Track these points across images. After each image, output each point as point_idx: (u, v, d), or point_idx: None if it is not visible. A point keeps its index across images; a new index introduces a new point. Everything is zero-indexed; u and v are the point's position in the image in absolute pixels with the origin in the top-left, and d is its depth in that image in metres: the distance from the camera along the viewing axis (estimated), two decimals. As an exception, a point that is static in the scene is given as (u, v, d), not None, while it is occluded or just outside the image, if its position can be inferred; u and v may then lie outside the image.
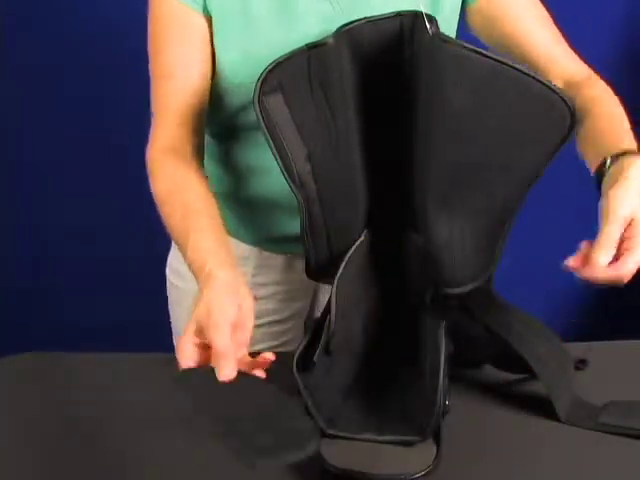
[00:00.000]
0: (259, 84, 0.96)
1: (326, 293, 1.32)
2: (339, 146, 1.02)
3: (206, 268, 0.94)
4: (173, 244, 1.31)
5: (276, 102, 0.97)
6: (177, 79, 1.11)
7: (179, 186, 1.06)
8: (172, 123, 1.11)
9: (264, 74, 0.96)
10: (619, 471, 0.93)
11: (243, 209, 1.26)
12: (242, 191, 1.24)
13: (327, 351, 1.00)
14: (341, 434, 0.94)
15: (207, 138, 1.20)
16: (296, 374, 0.95)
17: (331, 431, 0.94)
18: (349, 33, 1.02)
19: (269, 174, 1.17)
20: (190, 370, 0.90)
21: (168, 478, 0.95)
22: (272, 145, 0.97)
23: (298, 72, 0.99)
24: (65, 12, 1.89)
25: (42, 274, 2.15)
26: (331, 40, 1.00)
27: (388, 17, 1.04)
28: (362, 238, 1.08)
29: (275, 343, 1.33)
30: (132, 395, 1.09)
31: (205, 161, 1.17)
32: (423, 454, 0.91)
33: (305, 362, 0.98)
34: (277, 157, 0.97)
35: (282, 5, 1.10)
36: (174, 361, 1.19)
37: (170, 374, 1.13)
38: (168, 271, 1.36)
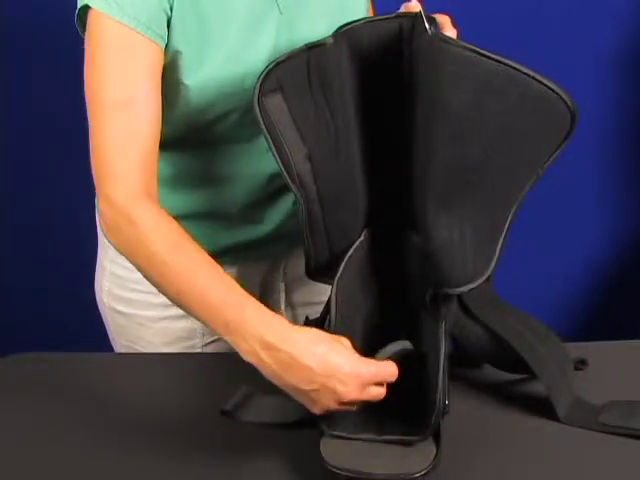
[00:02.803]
0: (258, 84, 0.96)
1: (276, 295, 1.32)
2: (339, 146, 1.02)
3: (280, 333, 0.90)
4: (103, 269, 1.27)
5: (275, 102, 0.97)
6: (140, 109, 1.00)
7: (183, 247, 0.97)
8: (138, 161, 1.00)
9: (263, 74, 0.96)
10: (619, 471, 0.93)
11: (191, 225, 1.16)
12: (191, 206, 1.19)
13: None
14: (341, 434, 0.94)
15: None
16: None
17: (331, 431, 0.94)
18: (348, 33, 1.02)
19: (232, 183, 1.16)
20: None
21: (168, 477, 0.95)
22: (271, 145, 0.97)
23: (297, 72, 0.99)
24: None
25: (42, 274, 2.15)
26: (330, 40, 1.01)
27: (387, 18, 1.04)
28: (362, 238, 1.08)
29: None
30: (132, 394, 1.09)
31: None
32: (423, 454, 0.91)
33: None
34: (276, 157, 0.97)
35: (240, 22, 1.06)
36: (175, 361, 1.20)
37: (169, 373, 1.13)
38: (106, 300, 1.28)
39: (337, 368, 0.89)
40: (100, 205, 1.01)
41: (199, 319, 0.97)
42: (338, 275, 1.03)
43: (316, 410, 0.92)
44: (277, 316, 0.93)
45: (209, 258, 0.97)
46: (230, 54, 1.06)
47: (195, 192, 1.17)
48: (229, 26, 1.05)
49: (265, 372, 0.91)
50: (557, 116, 0.96)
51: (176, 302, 0.98)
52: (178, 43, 1.03)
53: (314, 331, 0.92)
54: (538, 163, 0.98)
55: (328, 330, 0.99)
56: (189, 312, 0.97)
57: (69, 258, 2.08)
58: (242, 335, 0.91)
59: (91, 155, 1.01)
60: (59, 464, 0.97)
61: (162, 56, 1.03)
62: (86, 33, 1.03)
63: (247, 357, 0.91)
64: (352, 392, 0.89)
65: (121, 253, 1.01)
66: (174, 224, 0.99)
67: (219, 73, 1.06)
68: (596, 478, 0.93)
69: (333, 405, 0.90)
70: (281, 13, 1.09)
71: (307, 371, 0.89)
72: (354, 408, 0.92)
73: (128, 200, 0.98)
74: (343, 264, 1.04)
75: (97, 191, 1.01)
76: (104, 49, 1.00)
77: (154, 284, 0.99)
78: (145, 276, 0.99)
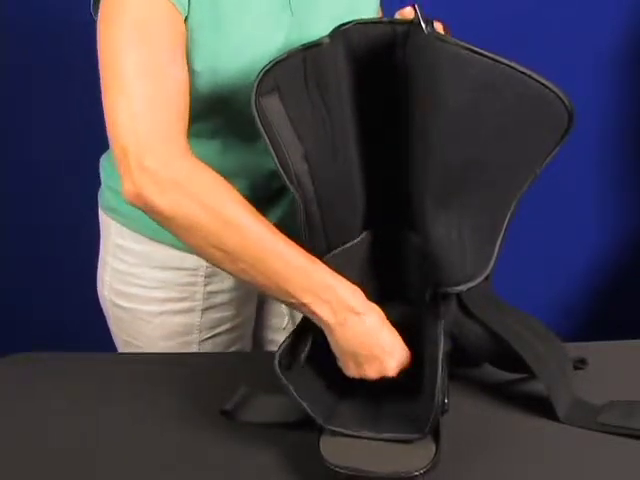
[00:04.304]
0: (256, 84, 0.96)
1: None
2: (336, 145, 1.02)
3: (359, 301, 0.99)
4: (105, 264, 1.28)
5: (273, 102, 0.97)
6: (168, 71, 1.00)
7: (250, 210, 0.98)
8: (177, 125, 1.00)
9: (261, 75, 0.96)
10: (619, 471, 0.93)
11: None
12: None
13: (320, 349, 1.00)
14: (340, 430, 0.94)
15: None
16: (278, 372, 0.95)
17: (328, 426, 0.94)
18: (344, 34, 1.03)
19: (232, 181, 1.16)
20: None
21: (168, 477, 0.95)
22: (269, 145, 0.97)
23: (294, 72, 0.99)
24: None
25: (42, 274, 2.15)
26: (327, 40, 1.01)
27: (381, 22, 1.05)
28: (360, 238, 1.08)
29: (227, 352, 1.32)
30: (131, 394, 1.09)
31: None
32: (422, 452, 0.91)
33: (295, 360, 0.98)
34: (274, 157, 0.97)
35: (253, 18, 1.07)
36: (175, 361, 1.20)
37: (169, 373, 1.13)
38: (107, 294, 1.28)
39: (398, 347, 0.99)
40: (143, 173, 0.96)
41: (257, 280, 0.98)
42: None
43: (351, 373, 1.00)
44: (354, 286, 0.99)
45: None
46: (240, 48, 1.06)
47: None
48: (242, 21, 1.06)
49: (334, 330, 0.97)
50: (554, 115, 0.96)
51: (237, 264, 0.97)
52: (193, 29, 1.04)
53: (380, 310, 1.00)
54: (536, 162, 0.98)
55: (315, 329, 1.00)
56: (244, 272, 0.98)
57: (69, 258, 2.08)
58: (326, 299, 0.96)
59: (115, 129, 0.98)
60: (59, 463, 0.97)
61: (184, 28, 1.03)
62: (102, 5, 1.01)
63: (322, 314, 0.96)
64: (395, 370, 0.98)
65: (168, 217, 0.97)
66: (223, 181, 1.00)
67: (226, 65, 1.06)
68: (596, 478, 0.92)
69: (372, 375, 0.99)
70: (292, 15, 1.10)
71: (374, 339, 0.98)
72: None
73: (180, 158, 0.98)
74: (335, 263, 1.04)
75: (138, 158, 0.96)
76: (126, 14, 0.99)
77: (211, 243, 0.97)
78: (197, 235, 0.97)
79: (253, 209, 0.99)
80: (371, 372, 0.99)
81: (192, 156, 1.00)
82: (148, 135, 0.97)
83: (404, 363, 0.99)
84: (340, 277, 0.99)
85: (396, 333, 0.99)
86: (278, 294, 0.99)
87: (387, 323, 0.99)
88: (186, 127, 1.02)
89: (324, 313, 0.97)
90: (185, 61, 1.04)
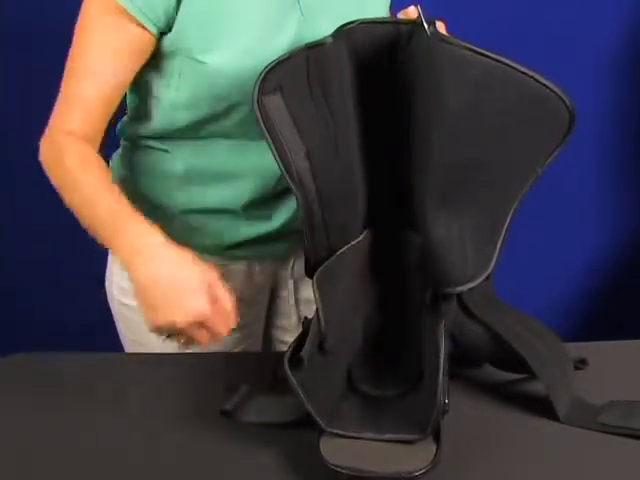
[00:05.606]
0: (258, 84, 0.96)
1: (285, 292, 1.33)
2: (338, 144, 1.02)
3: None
4: (113, 262, 1.30)
5: (275, 101, 0.97)
6: (104, 79, 1.12)
7: (99, 168, 1.10)
8: (89, 115, 1.12)
9: (263, 74, 0.96)
10: (619, 471, 0.93)
11: (201, 220, 1.22)
12: (201, 201, 1.21)
13: (322, 350, 1.00)
14: (341, 433, 0.94)
15: (158, 155, 1.19)
16: (288, 372, 0.95)
17: (330, 429, 0.94)
18: (348, 33, 1.03)
19: (241, 181, 1.17)
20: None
21: (168, 477, 0.95)
22: (271, 144, 0.97)
23: (297, 71, 0.99)
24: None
25: (42, 274, 2.15)
26: (330, 40, 1.01)
27: (385, 21, 1.05)
28: (360, 238, 1.08)
29: (235, 351, 1.33)
30: (131, 394, 1.09)
31: (153, 179, 1.20)
32: (423, 452, 0.91)
33: (299, 360, 0.98)
34: (276, 156, 0.98)
35: (262, 16, 1.08)
36: (175, 361, 1.20)
37: (169, 374, 1.13)
38: (116, 292, 1.30)
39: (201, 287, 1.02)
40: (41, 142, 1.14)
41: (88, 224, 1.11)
42: (319, 270, 1.02)
43: (159, 318, 1.02)
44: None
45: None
46: (245, 49, 1.07)
47: (205, 188, 1.19)
48: (252, 21, 1.07)
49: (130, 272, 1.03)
50: (556, 115, 0.96)
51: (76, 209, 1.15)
52: (187, 33, 1.06)
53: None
54: (537, 162, 0.98)
55: (319, 330, 1.00)
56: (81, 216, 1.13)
57: (69, 258, 2.08)
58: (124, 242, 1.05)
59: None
60: (58, 464, 0.97)
61: (149, 40, 1.08)
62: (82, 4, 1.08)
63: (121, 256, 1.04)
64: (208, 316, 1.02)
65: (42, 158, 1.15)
66: (94, 157, 1.10)
67: (235, 66, 1.07)
68: (596, 478, 0.92)
69: (181, 317, 1.01)
70: (302, 14, 1.10)
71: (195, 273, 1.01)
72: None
73: (64, 134, 1.11)
74: (330, 262, 1.03)
75: (50, 129, 1.15)
76: (92, 21, 1.09)
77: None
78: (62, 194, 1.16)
79: (96, 170, 1.10)
80: (181, 317, 1.01)
81: (80, 140, 1.11)
82: (58, 124, 1.15)
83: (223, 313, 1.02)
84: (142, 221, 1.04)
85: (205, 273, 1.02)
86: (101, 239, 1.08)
87: (196, 262, 1.02)
88: (95, 126, 1.12)
89: (123, 254, 1.03)
90: (128, 75, 1.11)
